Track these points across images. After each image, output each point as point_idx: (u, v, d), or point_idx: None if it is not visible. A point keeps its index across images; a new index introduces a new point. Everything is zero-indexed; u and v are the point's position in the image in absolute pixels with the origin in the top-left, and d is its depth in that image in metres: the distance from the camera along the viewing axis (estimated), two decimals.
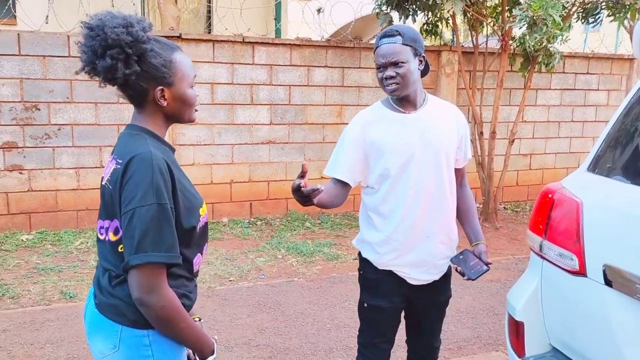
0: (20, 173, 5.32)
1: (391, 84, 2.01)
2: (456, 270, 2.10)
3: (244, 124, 6.01)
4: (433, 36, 6.45)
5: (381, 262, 2.16)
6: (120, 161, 1.41)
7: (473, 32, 6.26)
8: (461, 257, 2.12)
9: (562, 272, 2.07)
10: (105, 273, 1.49)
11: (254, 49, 5.95)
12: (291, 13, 9.31)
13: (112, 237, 1.46)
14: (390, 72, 1.99)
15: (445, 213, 2.15)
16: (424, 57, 2.07)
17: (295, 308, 3.88)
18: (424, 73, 2.16)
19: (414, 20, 6.00)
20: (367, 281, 2.24)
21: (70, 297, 3.94)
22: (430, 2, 5.13)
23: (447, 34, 7.84)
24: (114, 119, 5.56)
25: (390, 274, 2.16)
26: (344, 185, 2.15)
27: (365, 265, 2.23)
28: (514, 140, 6.30)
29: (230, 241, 5.44)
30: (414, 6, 5.82)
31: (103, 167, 5.45)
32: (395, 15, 6.18)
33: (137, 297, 1.37)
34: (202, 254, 1.63)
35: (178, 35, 5.64)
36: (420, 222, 2.10)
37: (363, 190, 2.24)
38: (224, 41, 5.83)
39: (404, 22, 6.05)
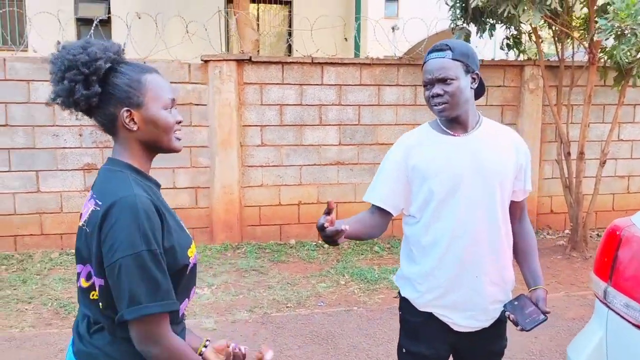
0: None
1: (439, 103, 1.81)
2: (509, 318, 1.83)
3: (313, 145, 5.94)
4: (515, 50, 6.04)
5: (421, 302, 1.94)
6: (100, 203, 1.30)
7: (559, 45, 5.79)
8: (516, 303, 1.86)
9: (630, 325, 1.75)
10: (84, 319, 1.40)
11: (323, 70, 5.88)
12: (364, 32, 9.20)
13: (83, 284, 1.37)
14: (437, 89, 1.80)
15: (498, 250, 1.89)
16: (477, 74, 1.85)
17: (350, 341, 3.68)
18: (479, 93, 1.95)
19: (492, 35, 5.66)
20: (406, 324, 2.03)
21: None
22: (508, 15, 4.78)
23: (533, 48, 7.34)
24: (187, 141, 5.68)
25: (431, 317, 1.93)
26: (384, 213, 1.94)
27: (404, 305, 2.03)
28: (605, 161, 5.71)
29: (295, 264, 5.35)
30: (492, 19, 5.48)
31: (175, 188, 5.63)
32: (472, 30, 5.88)
33: (140, 350, 1.29)
34: (189, 298, 1.51)
35: (248, 58, 5.70)
36: (467, 258, 1.86)
37: (404, 220, 2.03)
38: (293, 62, 5.82)
39: (481, 37, 5.73)
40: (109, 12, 9.31)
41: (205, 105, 5.67)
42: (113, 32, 9.01)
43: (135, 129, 1.36)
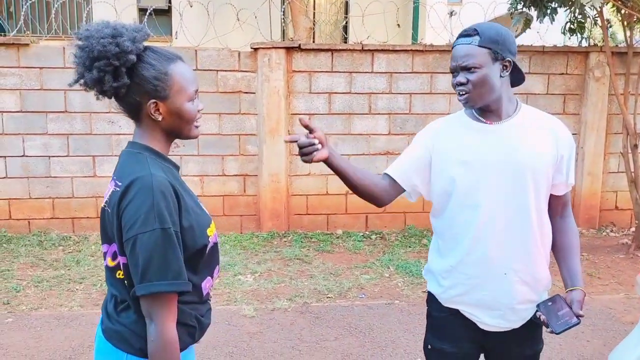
0: None
1: (461, 92, 1.71)
2: (539, 319, 1.71)
3: (361, 134, 5.84)
4: (578, 35, 5.68)
5: (445, 297, 1.85)
6: (119, 183, 1.36)
7: (627, 30, 5.40)
8: (550, 303, 1.74)
9: None
10: (112, 298, 1.46)
11: (374, 57, 5.75)
12: (422, 18, 8.94)
13: (109, 263, 1.42)
14: (460, 77, 1.70)
15: (530, 247, 1.76)
16: (510, 61, 1.71)
17: (388, 335, 3.60)
18: (517, 81, 1.82)
19: (553, 19, 5.33)
20: (432, 319, 1.94)
21: None
22: None
23: (599, 33, 6.89)
24: (236, 128, 5.74)
25: (457, 313, 1.84)
26: (394, 184, 1.83)
27: (430, 300, 1.94)
28: None
29: (340, 255, 5.29)
30: (553, 3, 5.17)
31: (224, 175, 5.70)
32: (533, 14, 5.57)
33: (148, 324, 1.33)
34: (212, 277, 1.53)
35: (297, 45, 5.66)
36: (494, 255, 1.74)
37: (431, 211, 1.93)
38: (342, 50, 5.72)
39: (541, 22, 5.42)
40: (170, 2, 9.52)
41: (254, 93, 5.69)
42: (173, 21, 9.23)
43: (160, 119, 1.41)
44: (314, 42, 8.11)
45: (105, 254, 1.42)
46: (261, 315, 3.86)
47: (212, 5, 5.70)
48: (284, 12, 8.31)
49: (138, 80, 1.36)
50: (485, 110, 1.76)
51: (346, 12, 9.70)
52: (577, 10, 5.19)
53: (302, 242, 5.59)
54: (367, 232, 5.92)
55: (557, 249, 1.85)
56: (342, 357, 3.31)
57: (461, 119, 1.84)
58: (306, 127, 1.61)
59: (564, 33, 5.67)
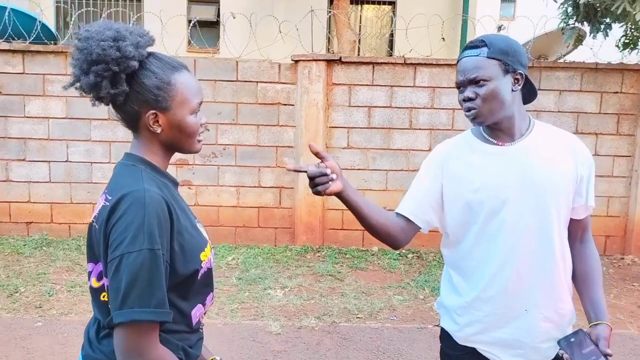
0: (189, 188, 5.75)
1: (470, 108, 1.57)
2: (562, 357, 1.56)
3: (401, 149, 5.69)
4: (629, 51, 5.37)
5: (461, 335, 1.70)
6: (110, 198, 1.25)
7: None
8: (572, 339, 1.57)
9: None
10: (95, 323, 1.35)
11: (416, 71, 5.61)
12: (471, 32, 8.73)
13: (94, 284, 1.30)
14: (468, 92, 1.56)
15: (553, 279, 1.61)
16: (522, 74, 1.57)
17: None
18: (529, 97, 1.67)
19: (607, 35, 5.07)
20: (445, 358, 1.79)
21: None
22: (624, 12, 4.24)
23: None
24: (274, 140, 5.70)
25: (473, 352, 1.69)
26: (410, 223, 1.71)
27: (444, 337, 1.79)
28: None
29: (374, 273, 5.15)
30: (607, 18, 4.91)
31: (260, 186, 5.66)
32: (586, 29, 5.32)
33: None
34: (204, 305, 1.41)
35: (338, 58, 5.59)
36: (515, 289, 1.60)
37: (442, 241, 1.79)
38: (383, 63, 5.61)
39: (594, 37, 5.16)
40: (219, 14, 9.66)
41: (293, 105, 5.64)
42: (221, 33, 9.36)
43: (159, 131, 1.32)
44: (358, 55, 8.04)
45: (90, 273, 1.31)
46: (287, 333, 3.76)
47: (255, 17, 5.71)
48: (329, 25, 8.29)
49: (138, 89, 1.27)
50: (496, 129, 1.62)
51: (392, 25, 9.60)
52: (633, 26, 4.91)
53: (335, 257, 5.47)
54: (404, 251, 5.74)
55: (578, 278, 1.69)
56: None
57: (469, 141, 1.69)
58: (317, 154, 1.48)
59: (618, 47, 5.37)
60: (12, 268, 4.78)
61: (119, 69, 1.24)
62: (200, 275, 1.33)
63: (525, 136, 1.62)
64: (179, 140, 1.35)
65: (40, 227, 5.71)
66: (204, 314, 1.43)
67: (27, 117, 5.58)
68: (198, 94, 1.35)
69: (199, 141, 1.39)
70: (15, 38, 5.66)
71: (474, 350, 1.68)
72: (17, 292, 4.26)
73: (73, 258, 5.11)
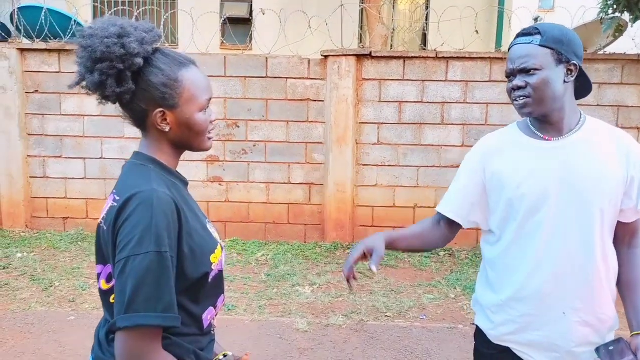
0: (220, 184, 5.78)
1: (519, 97, 1.51)
2: None
3: (432, 145, 5.58)
4: None
5: (495, 334, 1.66)
6: (118, 198, 1.22)
7: None
8: (612, 348, 1.51)
9: None
10: (105, 324, 1.33)
11: (448, 65, 5.49)
12: (507, 25, 8.51)
13: (103, 285, 1.28)
14: (518, 81, 1.50)
15: (594, 283, 1.54)
16: (576, 65, 1.50)
17: None
18: (583, 91, 1.60)
19: None
20: (479, 356, 1.75)
21: (229, 309, 4.05)
22: None
23: None
24: (303, 136, 5.67)
25: (507, 351, 1.64)
26: (452, 224, 1.72)
27: (478, 335, 1.75)
28: None
29: (405, 271, 5.07)
30: None
31: (290, 183, 5.65)
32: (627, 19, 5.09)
33: None
34: (215, 308, 1.38)
35: (368, 53, 5.51)
36: (552, 291, 1.54)
37: (482, 237, 1.75)
38: (415, 57, 5.51)
39: (632, 25, 4.94)
40: (251, 11, 9.69)
41: (323, 101, 5.60)
42: (254, 29, 9.40)
43: (167, 129, 1.29)
44: (390, 49, 7.93)
45: (99, 275, 1.29)
46: (314, 331, 3.74)
47: (285, 13, 5.69)
48: (361, 19, 8.20)
49: (144, 86, 1.24)
50: (544, 122, 1.55)
51: (426, 19, 9.44)
52: None
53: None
54: (436, 250, 5.63)
55: (623, 285, 1.61)
56: None
57: (514, 135, 1.63)
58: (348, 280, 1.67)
59: None
60: (48, 262, 4.90)
61: (124, 66, 1.21)
62: (211, 278, 1.31)
63: (575, 132, 1.55)
64: (188, 139, 1.32)
65: (76, 222, 5.85)
66: (215, 316, 1.41)
67: (63, 114, 5.71)
68: (207, 91, 1.32)
69: (209, 139, 1.35)
70: (52, 38, 5.80)
71: (508, 349, 1.64)
72: (51, 286, 4.36)
73: None
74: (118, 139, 5.74)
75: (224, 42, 6.55)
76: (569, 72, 1.50)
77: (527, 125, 1.61)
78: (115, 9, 6.41)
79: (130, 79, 1.22)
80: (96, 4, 9.51)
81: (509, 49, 1.55)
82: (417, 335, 3.72)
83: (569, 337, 1.55)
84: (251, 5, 10.01)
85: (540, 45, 1.47)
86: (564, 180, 1.51)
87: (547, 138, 1.56)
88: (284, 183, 5.76)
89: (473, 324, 1.82)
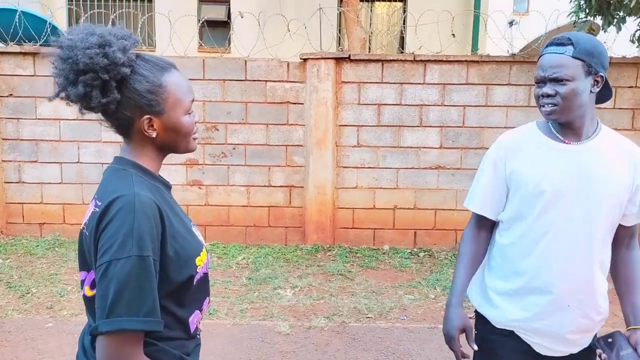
0: (200, 188, 5.75)
1: (548, 104, 1.58)
2: (599, 357, 1.61)
3: (411, 147, 5.64)
4: None
5: (501, 321, 1.73)
6: (99, 203, 1.21)
7: None
8: (610, 340, 1.62)
9: None
10: (90, 332, 1.32)
11: (426, 67, 5.56)
12: (482, 28, 8.63)
13: (87, 292, 1.27)
14: (548, 89, 1.57)
15: (595, 278, 1.65)
16: (602, 77, 1.58)
17: None
18: (603, 98, 1.68)
19: (620, 28, 4.97)
20: (484, 342, 1.80)
21: (210, 313, 4.03)
22: (637, 5, 4.14)
23: None
24: (283, 139, 5.68)
25: (511, 335, 1.72)
26: (488, 222, 1.80)
27: (481, 325, 1.81)
28: None
29: (385, 272, 5.10)
30: (620, 11, 4.81)
31: (270, 186, 5.65)
32: (599, 23, 5.22)
33: None
34: (201, 311, 1.38)
35: (347, 56, 5.55)
36: (560, 285, 1.64)
37: (498, 227, 1.82)
38: (393, 60, 5.56)
39: (605, 31, 5.06)
40: (229, 14, 9.66)
41: (302, 104, 5.62)
42: (232, 32, 9.37)
43: (154, 135, 1.28)
44: (368, 52, 7.98)
45: (82, 282, 1.28)
46: (296, 333, 3.74)
47: (263, 16, 5.69)
48: (339, 23, 8.24)
49: (129, 95, 1.23)
50: (566, 127, 1.63)
51: (404, 22, 9.53)
52: None
53: (346, 256, 5.44)
54: (415, 249, 5.70)
55: (621, 283, 1.75)
56: None
57: (536, 135, 1.70)
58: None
59: (632, 42, 5.27)
60: (24, 269, 4.82)
61: (108, 76, 1.19)
62: (196, 280, 1.30)
63: (592, 138, 1.64)
64: (175, 141, 1.32)
65: (53, 227, 5.76)
66: (201, 319, 1.40)
67: (39, 118, 5.63)
68: (189, 93, 1.32)
69: (195, 139, 1.36)
70: (26, 41, 5.71)
71: (511, 333, 1.72)
72: (28, 293, 4.29)
73: None
74: (95, 143, 5.67)
75: (202, 44, 6.52)
76: (595, 83, 1.58)
77: (548, 126, 1.69)
78: (91, 12, 6.33)
79: (114, 88, 1.21)
80: (71, 7, 9.39)
81: (541, 56, 1.61)
82: (398, 335, 3.75)
83: (569, 327, 1.65)
84: (229, 8, 9.98)
85: (572, 57, 1.54)
86: (578, 182, 1.60)
87: (566, 141, 1.64)
88: (264, 186, 5.75)
89: (472, 318, 1.87)
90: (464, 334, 1.75)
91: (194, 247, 1.31)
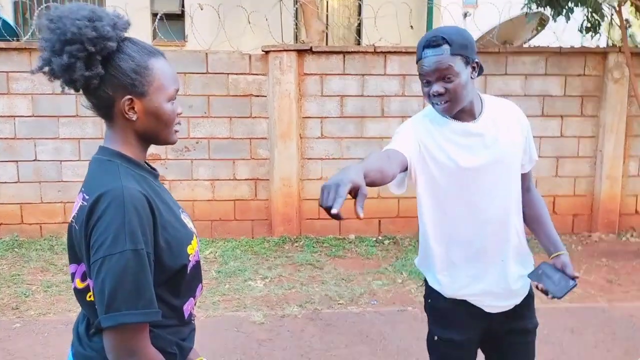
0: (163, 183, 5.68)
1: (440, 102, 1.66)
2: (537, 287, 1.76)
3: (374, 138, 5.75)
4: (592, 35, 5.54)
5: (447, 291, 1.83)
6: (87, 197, 1.20)
7: None
8: (540, 272, 1.79)
9: None
10: (84, 319, 1.32)
11: (386, 59, 5.67)
12: (437, 20, 8.84)
13: (78, 284, 1.27)
14: (438, 87, 1.65)
15: (518, 227, 1.83)
16: (477, 62, 1.70)
17: (400, 343, 3.50)
18: (479, 72, 1.79)
19: (568, 18, 5.21)
20: (435, 311, 1.92)
21: None
22: None
23: (617, 33, 6.73)
24: (247, 132, 5.69)
25: (461, 302, 1.83)
26: (401, 161, 1.67)
27: (431, 292, 1.91)
28: None
29: (352, 260, 5.21)
30: (568, 2, 5.05)
31: (235, 179, 5.64)
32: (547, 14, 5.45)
33: None
34: (195, 297, 1.40)
35: (309, 48, 5.60)
36: (492, 246, 1.79)
37: (419, 209, 1.84)
38: (354, 52, 5.65)
39: (555, 20, 5.30)
40: (183, 6, 9.52)
41: (265, 96, 5.64)
42: (186, 26, 9.24)
43: (134, 118, 1.26)
44: (326, 44, 8.05)
45: (73, 274, 1.27)
46: (271, 322, 3.79)
47: (223, 8, 5.67)
48: (296, 15, 8.26)
49: (114, 72, 1.21)
50: (460, 112, 1.72)
51: (359, 14, 9.64)
52: (594, 10, 5.07)
53: (313, 247, 5.51)
54: (380, 237, 5.83)
55: (531, 221, 1.93)
56: None
57: (438, 119, 1.76)
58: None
59: (580, 31, 5.53)
60: None
61: (95, 49, 1.17)
62: (189, 269, 1.31)
63: (483, 112, 1.76)
64: (155, 129, 1.30)
65: (10, 228, 5.58)
66: (195, 305, 1.42)
67: None
68: (175, 81, 1.31)
69: (176, 131, 1.35)
70: None
71: (462, 300, 1.82)
72: None
73: (47, 258, 5.02)
74: (53, 140, 5.53)
75: (161, 37, 6.42)
76: (473, 69, 1.69)
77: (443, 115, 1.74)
78: (40, 7, 6.12)
79: (99, 63, 1.20)
80: (17, 0, 9.03)
81: (420, 59, 1.66)
82: (370, 319, 3.86)
83: (509, 276, 1.80)
84: (183, 0, 9.83)
85: (452, 55, 1.61)
86: (490, 152, 1.73)
87: (466, 122, 1.74)
88: (229, 179, 5.75)
89: (422, 284, 1.95)
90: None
91: (184, 236, 1.32)
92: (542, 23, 5.43)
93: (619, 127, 5.84)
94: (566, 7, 5.13)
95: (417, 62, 1.70)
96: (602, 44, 6.04)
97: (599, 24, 5.41)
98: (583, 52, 5.79)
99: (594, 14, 5.24)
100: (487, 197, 1.75)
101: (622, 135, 5.87)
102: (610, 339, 3.57)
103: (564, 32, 5.63)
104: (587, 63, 5.81)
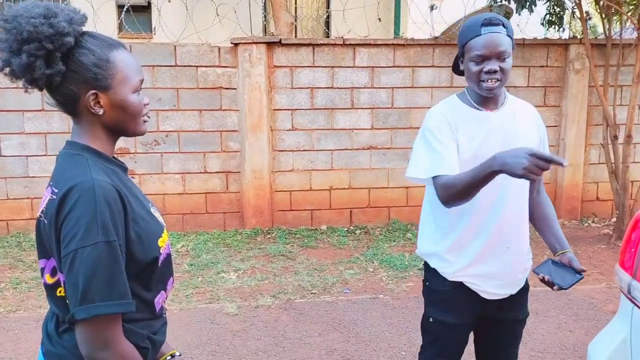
0: (132, 177, 5.64)
1: (493, 79, 1.74)
2: (542, 280, 1.81)
3: (344, 129, 5.82)
4: (556, 27, 5.70)
5: (450, 271, 1.91)
6: (56, 190, 1.19)
7: (606, 22, 5.43)
8: (546, 266, 1.86)
9: None
10: (53, 317, 1.30)
11: (355, 51, 5.73)
12: (404, 13, 8.94)
13: (48, 280, 1.26)
14: (493, 65, 1.72)
15: (524, 220, 1.90)
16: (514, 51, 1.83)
17: (372, 330, 3.58)
18: None
19: (532, 11, 5.35)
20: (433, 294, 2.00)
21: None
22: None
23: (578, 25, 6.93)
24: (217, 125, 5.68)
25: (460, 286, 1.91)
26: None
27: (431, 276, 1.99)
28: None
29: (325, 250, 5.27)
30: None
31: (206, 172, 5.64)
32: (512, 6, 5.58)
33: (87, 355, 1.16)
34: (166, 291, 1.40)
35: (278, 40, 5.62)
36: (499, 231, 1.84)
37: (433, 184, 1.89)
38: (323, 44, 5.69)
39: (519, 13, 5.44)
40: None
41: (235, 89, 5.63)
42: (153, 18, 9.11)
43: (100, 112, 1.24)
44: (295, 37, 8.06)
45: (42, 269, 1.25)
46: (244, 313, 3.83)
47: (191, 0, 5.63)
48: (264, 7, 8.24)
49: (75, 68, 1.20)
50: (490, 98, 1.82)
51: (328, 6, 9.66)
52: (556, 2, 5.22)
53: (286, 238, 5.55)
54: (352, 227, 5.90)
55: (539, 220, 1.98)
56: (326, 353, 3.29)
57: (461, 108, 1.86)
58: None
59: (543, 24, 5.69)
60: None
61: (53, 46, 1.16)
62: (160, 262, 1.32)
63: (505, 104, 1.85)
64: (123, 121, 1.29)
65: None
66: (166, 298, 1.43)
67: None
68: (139, 72, 1.30)
69: (145, 122, 1.34)
70: None
71: (460, 285, 1.89)
72: None
73: (14, 255, 4.94)
74: (18, 135, 5.42)
75: (128, 29, 6.33)
76: (513, 57, 1.80)
77: (467, 98, 1.86)
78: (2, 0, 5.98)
79: (59, 60, 1.18)
80: None
81: (478, 35, 1.73)
82: (342, 307, 3.93)
83: (512, 265, 1.88)
84: None
85: (507, 35, 1.73)
86: (507, 141, 1.78)
87: (488, 110, 1.83)
88: (200, 172, 5.74)
89: (420, 268, 2.00)
90: None
91: (155, 229, 1.32)
92: (507, 16, 5.55)
93: (580, 116, 6.03)
94: (529, 0, 5.26)
95: (468, 41, 1.75)
96: (565, 36, 6.21)
97: (562, 17, 5.57)
98: (545, 44, 5.96)
99: (555, 7, 5.39)
100: (500, 183, 1.75)
101: (584, 125, 6.07)
102: (572, 320, 3.73)
103: (527, 24, 5.77)
104: (549, 55, 5.99)
